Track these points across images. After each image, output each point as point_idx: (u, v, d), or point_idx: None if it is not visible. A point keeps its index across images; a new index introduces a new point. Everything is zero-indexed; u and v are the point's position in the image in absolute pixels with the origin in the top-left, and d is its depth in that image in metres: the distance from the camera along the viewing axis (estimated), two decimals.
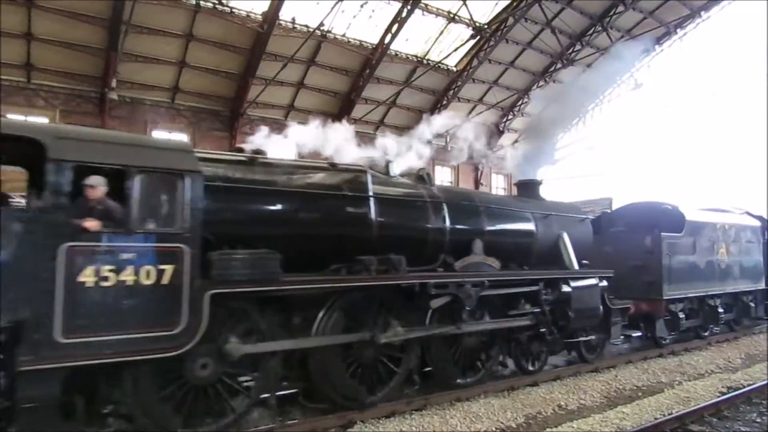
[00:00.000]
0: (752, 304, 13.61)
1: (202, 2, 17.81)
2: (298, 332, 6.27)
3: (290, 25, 19.64)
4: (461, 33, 23.04)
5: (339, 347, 6.55)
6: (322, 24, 18.98)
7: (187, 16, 18.05)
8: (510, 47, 24.53)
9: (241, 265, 5.47)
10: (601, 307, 9.10)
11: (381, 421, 6.47)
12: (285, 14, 19.11)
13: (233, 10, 18.48)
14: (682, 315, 11.34)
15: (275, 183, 6.41)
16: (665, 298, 10.73)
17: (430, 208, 7.74)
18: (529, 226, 9.11)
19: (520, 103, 27.67)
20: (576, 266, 9.20)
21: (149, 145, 5.61)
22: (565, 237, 9.36)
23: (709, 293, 12.07)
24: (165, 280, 4.99)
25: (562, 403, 7.42)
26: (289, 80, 21.56)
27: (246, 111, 21.62)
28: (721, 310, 12.47)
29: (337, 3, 18.41)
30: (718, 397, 7.56)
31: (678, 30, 25.60)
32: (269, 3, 18.46)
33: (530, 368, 8.69)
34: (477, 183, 30.24)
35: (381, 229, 7.06)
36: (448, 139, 26.80)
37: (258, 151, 7.06)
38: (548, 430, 6.36)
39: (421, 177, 8.36)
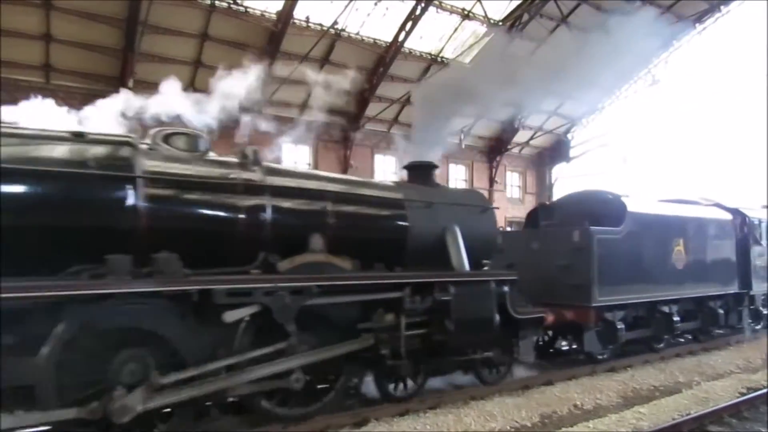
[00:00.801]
0: (721, 311, 11.56)
1: (217, 2, 17.93)
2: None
3: (304, 24, 19.68)
4: (476, 30, 22.91)
5: None
6: (336, 22, 19.02)
7: (202, 15, 18.18)
8: (524, 44, 24.30)
9: None
10: (498, 318, 7.24)
11: (395, 419, 6.46)
12: (299, 13, 19.16)
13: (247, 10, 18.57)
14: (621, 325, 9.45)
15: None
16: (594, 305, 8.91)
17: (242, 194, 5.91)
18: (400, 217, 7.16)
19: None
20: (466, 267, 7.26)
21: None
22: (455, 231, 7.37)
23: (661, 299, 10.16)
24: None
25: (578, 403, 7.34)
26: (303, 79, 21.58)
27: (261, 110, 21.70)
28: (677, 318, 10.54)
29: (351, 1, 18.44)
30: (738, 397, 7.43)
31: (697, 24, 25.22)
32: (283, 2, 18.52)
33: (398, 394, 7.12)
34: (491, 181, 30.09)
35: (151, 219, 5.25)
36: (462, 137, 26.72)
37: None
38: (564, 429, 6.30)
39: (245, 155, 6.31)
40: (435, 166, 8.37)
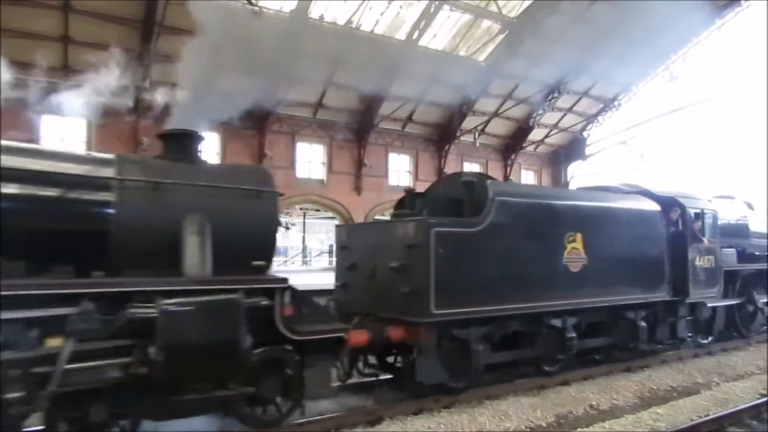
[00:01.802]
0: (642, 324, 9.14)
1: (232, 1, 18.03)
2: None
3: (319, 23, 19.71)
4: (490, 27, 22.79)
5: None
6: (350, 21, 19.06)
7: (216, 14, 18.29)
8: (540, 41, 24.11)
9: None
10: (249, 340, 5.22)
11: (408, 418, 6.46)
12: (314, 12, 19.21)
13: (262, 9, 18.66)
14: (479, 346, 7.10)
15: None
16: (429, 320, 6.65)
17: None
18: (101, 203, 5.15)
19: (550, 98, 27.23)
20: (208, 270, 5.30)
21: None
22: (198, 222, 5.32)
23: (547, 310, 7.82)
24: None
25: (594, 403, 7.27)
26: (318, 78, 21.67)
27: (275, 109, 21.84)
28: (572, 334, 8.13)
29: (364, 0, 18.48)
30: (759, 399, 7.30)
31: (716, 20, 24.84)
32: (297, 1, 18.59)
33: None
34: (506, 179, 29.92)
35: None
36: (476, 135, 26.62)
37: None
38: (579, 429, 6.25)
39: None
40: (198, 137, 6.16)
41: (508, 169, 30.06)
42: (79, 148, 19.27)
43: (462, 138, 27.24)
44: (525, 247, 7.58)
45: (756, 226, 12.52)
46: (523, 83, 25.84)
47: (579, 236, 8.15)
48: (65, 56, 17.77)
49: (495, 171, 29.49)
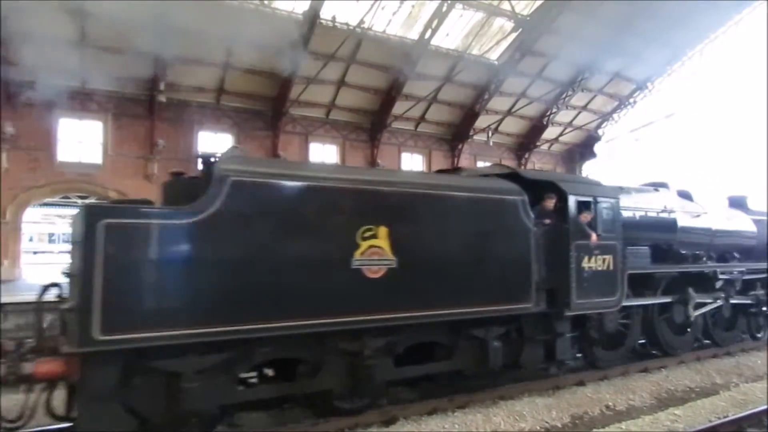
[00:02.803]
0: (495, 344, 7.13)
1: (245, 3, 18.16)
2: None
3: (330, 24, 19.77)
4: (503, 26, 22.68)
5: None
6: (362, 21, 19.08)
7: (231, 17, 18.40)
8: (554, 38, 23.96)
9: None
10: None
11: (423, 418, 6.46)
12: (325, 13, 19.26)
13: (275, 10, 18.76)
14: (191, 384, 5.19)
15: None
16: (85, 350, 4.71)
17: None
18: None
19: (564, 96, 27.03)
20: None
21: None
22: None
23: (322, 329, 5.75)
24: None
25: (610, 404, 7.21)
26: (330, 78, 21.75)
27: (288, 110, 21.95)
28: (373, 362, 6.22)
29: (377, 0, 18.48)
30: None
31: (734, 15, 24.51)
32: (310, 2, 18.65)
33: None
34: None
35: None
36: (489, 134, 26.50)
37: None
38: (595, 430, 6.21)
39: None
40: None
41: (523, 168, 29.89)
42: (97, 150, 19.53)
43: (475, 137, 27.14)
44: (281, 245, 5.53)
45: (693, 220, 10.52)
46: (537, 81, 25.69)
47: (383, 231, 6.06)
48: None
49: None
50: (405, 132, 25.83)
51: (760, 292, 11.30)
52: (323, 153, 24.34)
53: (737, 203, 12.89)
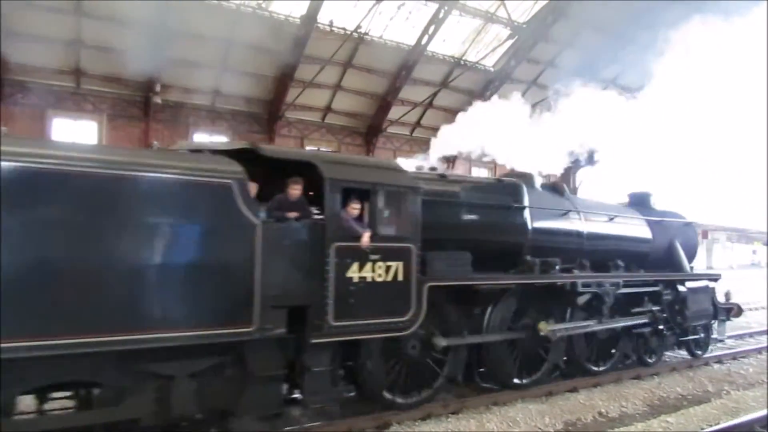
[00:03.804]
0: (187, 384, 5.21)
1: (242, 6, 18.17)
2: None
3: (328, 28, 19.81)
4: (499, 33, 22.80)
5: None
6: (359, 26, 19.13)
7: (228, 20, 18.43)
8: (549, 46, 24.12)
9: None
10: None
11: (416, 423, 6.46)
12: (323, 17, 19.30)
13: (272, 14, 18.78)
14: None
15: None
16: None
17: None
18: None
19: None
20: None
21: None
22: None
23: None
24: None
25: (603, 410, 7.23)
26: (326, 82, 21.77)
27: (284, 113, 21.93)
28: None
29: (374, 5, 18.53)
30: None
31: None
32: (308, 6, 18.68)
33: None
34: None
35: None
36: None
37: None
38: None
39: None
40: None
41: None
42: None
43: None
44: None
45: (555, 220, 8.59)
46: (532, 88, 25.82)
47: None
48: (77, 60, 17.98)
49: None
50: (401, 137, 25.87)
51: (653, 308, 9.25)
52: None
53: (638, 202, 10.95)
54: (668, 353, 10.39)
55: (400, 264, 6.22)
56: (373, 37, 20.90)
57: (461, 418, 6.66)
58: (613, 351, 9.11)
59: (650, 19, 22.18)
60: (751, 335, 13.24)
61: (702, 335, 10.33)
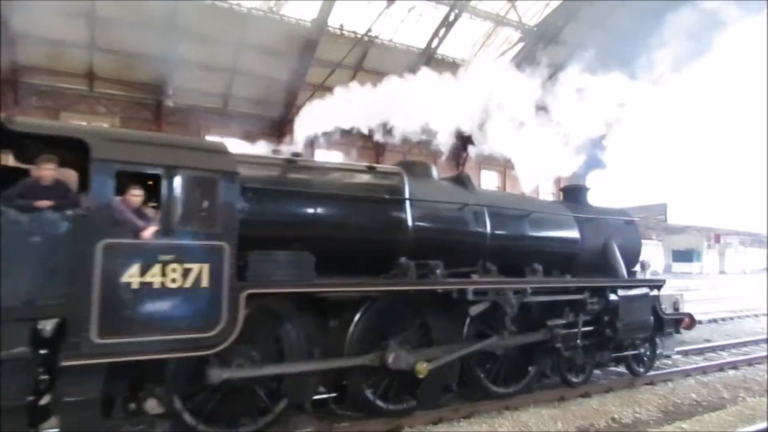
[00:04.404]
0: None
1: (254, 10, 18.29)
2: None
3: (338, 32, 19.88)
4: (509, 36, 22.77)
5: None
6: (369, 29, 19.17)
7: (239, 24, 18.56)
8: (559, 48, 24.01)
9: None
10: None
11: (428, 428, 6.42)
12: (333, 20, 19.37)
13: (283, 17, 18.87)
14: None
15: None
16: None
17: None
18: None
19: None
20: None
21: None
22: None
23: None
24: None
25: (616, 416, 7.14)
26: (337, 85, 21.81)
27: (295, 116, 21.99)
28: None
29: (385, 8, 18.55)
30: None
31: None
32: (319, 9, 18.76)
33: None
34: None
35: None
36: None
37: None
38: None
39: None
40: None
41: None
42: None
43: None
44: None
45: (446, 216, 7.29)
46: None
47: None
48: (90, 64, 18.16)
49: (513, 179, 29.26)
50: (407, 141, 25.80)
51: (556, 322, 7.63)
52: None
53: (571, 197, 9.60)
54: (606, 370, 9.09)
55: (205, 266, 4.97)
56: (384, 41, 20.94)
57: (473, 423, 6.62)
58: (530, 369, 7.67)
59: (663, 18, 22.11)
60: (766, 341, 13.04)
61: (643, 350, 8.93)
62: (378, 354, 6.16)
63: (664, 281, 9.33)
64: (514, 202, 8.44)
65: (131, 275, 4.68)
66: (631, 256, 9.37)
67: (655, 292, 8.89)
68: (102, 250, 4.58)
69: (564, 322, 7.74)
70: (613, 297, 8.21)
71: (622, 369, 9.09)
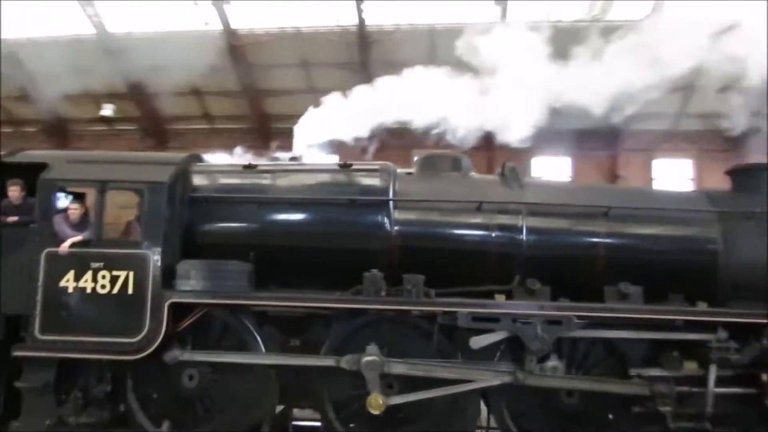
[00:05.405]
0: None
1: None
2: None
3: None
4: None
5: None
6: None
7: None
8: None
9: None
10: None
11: None
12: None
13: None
14: None
15: None
16: None
17: None
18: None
19: None
20: None
21: None
22: None
23: None
24: None
25: None
26: None
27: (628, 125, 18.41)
28: None
29: None
30: None
31: None
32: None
33: None
34: None
35: None
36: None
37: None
38: None
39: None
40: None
41: None
42: None
43: None
44: None
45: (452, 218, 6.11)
46: None
47: None
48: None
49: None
50: (658, 133, 20.17)
51: (704, 372, 5.37)
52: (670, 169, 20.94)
53: (746, 183, 6.43)
54: None
55: (131, 273, 5.44)
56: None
57: None
58: None
59: None
60: None
61: None
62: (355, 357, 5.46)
63: None
64: (579, 196, 6.39)
65: (67, 280, 5.50)
66: None
67: None
68: (45, 258, 5.53)
69: (665, 374, 5.39)
70: None
71: None
